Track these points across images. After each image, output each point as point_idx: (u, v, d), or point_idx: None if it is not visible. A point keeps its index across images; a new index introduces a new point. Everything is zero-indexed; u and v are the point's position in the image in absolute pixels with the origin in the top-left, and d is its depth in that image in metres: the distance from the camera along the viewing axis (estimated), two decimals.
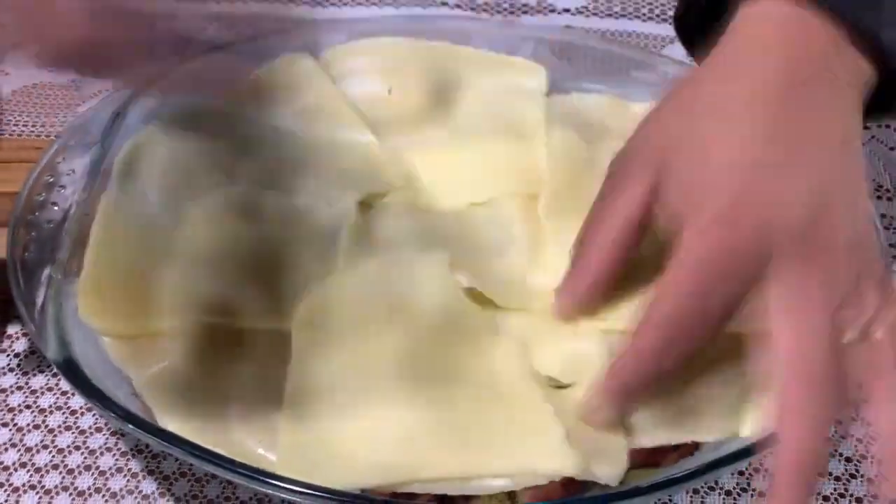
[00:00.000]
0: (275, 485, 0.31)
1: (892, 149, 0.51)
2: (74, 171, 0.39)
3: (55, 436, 0.39)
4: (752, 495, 0.38)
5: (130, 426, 0.33)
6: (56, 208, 0.38)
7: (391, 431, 0.33)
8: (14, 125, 0.51)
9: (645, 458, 0.35)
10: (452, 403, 0.34)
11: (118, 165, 0.40)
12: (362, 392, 0.34)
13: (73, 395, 0.41)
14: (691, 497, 0.38)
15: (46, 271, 0.37)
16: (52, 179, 0.39)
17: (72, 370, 0.33)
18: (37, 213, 0.38)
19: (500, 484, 0.33)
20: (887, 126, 0.52)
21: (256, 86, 0.45)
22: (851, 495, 0.38)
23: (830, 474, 0.38)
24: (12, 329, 0.43)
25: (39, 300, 0.36)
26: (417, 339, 0.35)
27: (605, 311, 0.36)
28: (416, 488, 0.33)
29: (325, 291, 0.37)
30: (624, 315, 0.36)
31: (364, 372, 0.35)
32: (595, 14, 0.58)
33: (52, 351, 0.34)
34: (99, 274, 0.37)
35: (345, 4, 0.58)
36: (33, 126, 0.51)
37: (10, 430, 0.39)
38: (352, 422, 0.34)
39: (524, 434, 0.33)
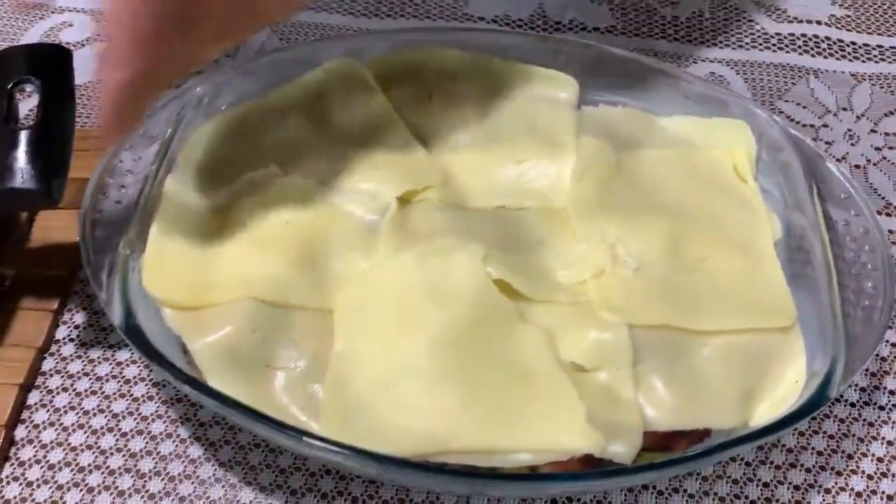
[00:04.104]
0: (316, 445, 0.34)
1: None
2: (141, 159, 0.43)
3: (111, 402, 0.42)
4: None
5: (186, 386, 0.36)
6: (124, 191, 0.42)
7: (426, 405, 0.36)
8: (87, 117, 0.54)
9: (657, 443, 0.37)
10: (482, 383, 0.37)
11: (182, 154, 0.44)
12: (401, 370, 0.37)
13: (127, 365, 0.44)
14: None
15: (113, 248, 0.40)
16: (121, 164, 0.42)
17: (136, 335, 0.37)
18: (106, 194, 0.41)
19: (524, 458, 0.35)
20: None
21: (305, 88, 0.48)
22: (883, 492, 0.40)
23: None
24: (72, 303, 0.46)
25: (106, 273, 0.39)
26: (451, 324, 0.38)
27: (630, 307, 0.39)
28: (447, 458, 0.35)
29: (367, 277, 0.40)
30: (649, 311, 0.39)
31: (403, 351, 0.38)
32: (623, 33, 0.62)
33: (118, 317, 0.37)
34: (162, 250, 0.40)
35: (388, 16, 0.62)
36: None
37: (70, 394, 0.43)
38: (391, 395, 0.37)
39: (548, 413, 0.36)
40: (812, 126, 0.56)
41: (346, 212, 0.43)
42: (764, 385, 0.38)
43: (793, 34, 0.62)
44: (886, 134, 0.56)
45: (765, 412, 0.38)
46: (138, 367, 0.44)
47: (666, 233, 0.42)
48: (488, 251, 0.40)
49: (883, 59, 0.60)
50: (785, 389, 0.38)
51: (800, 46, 0.61)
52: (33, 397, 0.43)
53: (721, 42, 0.61)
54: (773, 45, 0.61)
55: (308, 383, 0.38)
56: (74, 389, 0.43)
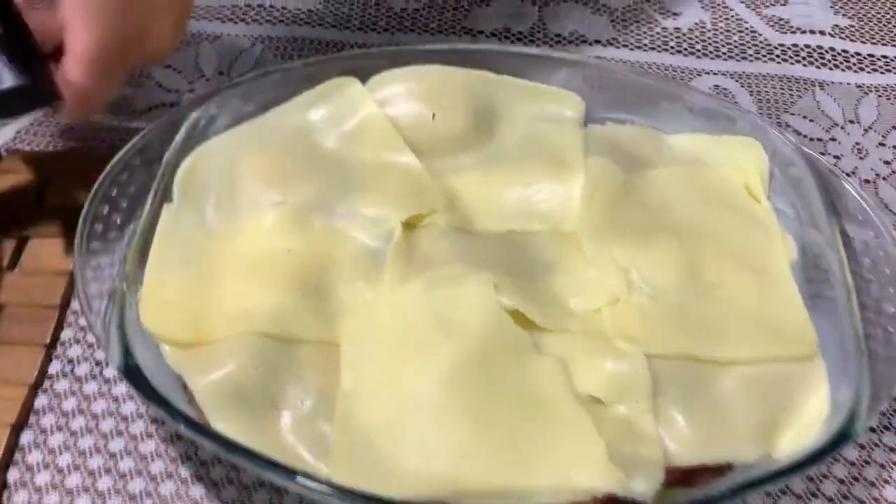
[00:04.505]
0: (324, 491, 0.33)
1: None
2: (136, 187, 0.41)
3: (107, 440, 0.41)
4: None
5: (189, 429, 0.34)
6: (118, 220, 0.40)
7: (438, 444, 0.35)
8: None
9: (678, 478, 0.36)
10: (497, 419, 0.36)
11: (178, 180, 0.42)
12: (411, 406, 0.36)
13: (124, 400, 0.42)
14: None
15: (108, 281, 0.38)
16: (115, 192, 0.41)
17: (136, 377, 0.35)
18: (100, 224, 0.40)
19: (542, 500, 0.34)
20: None
21: (303, 108, 0.47)
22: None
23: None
24: (65, 335, 0.44)
25: (102, 311, 0.37)
26: (462, 356, 0.37)
27: (647, 335, 0.38)
28: (461, 501, 0.34)
29: (373, 308, 0.39)
30: (666, 340, 0.38)
31: (412, 386, 0.36)
32: (625, 46, 0.60)
33: (116, 358, 0.35)
34: (160, 284, 0.38)
35: (385, 30, 0.60)
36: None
37: (65, 433, 0.41)
38: (401, 434, 0.35)
39: (566, 450, 0.35)
40: (820, 140, 0.55)
41: (349, 238, 0.42)
42: (786, 415, 0.37)
43: (796, 45, 0.61)
44: (895, 147, 0.55)
45: (788, 444, 0.36)
46: (135, 402, 0.42)
47: (679, 257, 0.41)
48: (499, 279, 0.39)
49: (889, 70, 0.59)
50: (808, 420, 0.37)
51: (804, 58, 0.60)
52: (26, 437, 0.41)
53: (724, 54, 0.60)
54: (777, 56, 0.60)
55: (315, 422, 0.36)
56: (69, 428, 0.41)
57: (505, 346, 0.37)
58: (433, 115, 0.47)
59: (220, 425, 0.35)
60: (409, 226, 0.42)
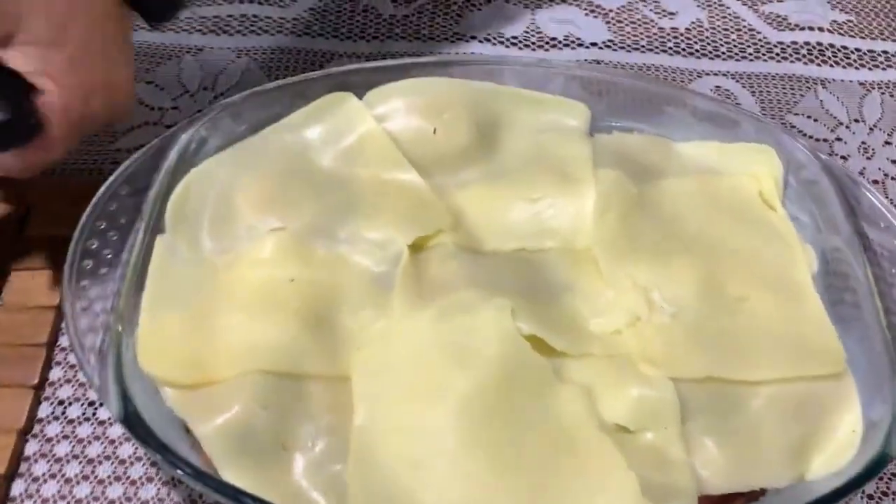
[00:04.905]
0: None
1: None
2: (126, 218, 0.39)
3: (105, 487, 0.38)
4: None
5: (199, 483, 0.32)
6: (108, 255, 0.38)
7: (459, 485, 0.33)
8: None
9: None
10: (520, 455, 0.34)
11: (170, 208, 0.40)
12: (428, 443, 0.34)
13: (121, 443, 0.40)
14: None
15: (101, 316, 0.36)
16: (103, 226, 0.38)
17: (137, 425, 0.33)
18: (90, 260, 0.37)
19: None
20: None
21: (297, 127, 0.45)
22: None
23: None
24: (54, 374, 0.42)
25: (96, 354, 0.35)
26: (480, 389, 0.35)
27: (672, 357, 0.36)
28: None
29: (384, 339, 0.37)
30: (692, 362, 0.36)
31: (429, 422, 0.34)
32: (622, 48, 0.59)
33: (115, 407, 0.33)
34: (157, 322, 0.36)
35: (375, 38, 0.58)
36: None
37: (59, 481, 0.39)
38: (420, 474, 0.33)
39: (596, 485, 0.33)
40: (826, 140, 0.54)
41: (354, 264, 0.40)
42: (818, 436, 0.36)
43: (795, 42, 0.60)
44: None
45: (821, 466, 0.35)
46: (133, 444, 0.40)
47: (699, 273, 0.40)
48: (515, 303, 0.37)
49: (890, 66, 0.58)
50: (841, 440, 0.35)
51: (804, 55, 0.59)
52: (17, 487, 0.38)
53: (724, 53, 0.59)
54: (777, 54, 0.59)
55: (329, 463, 0.34)
56: (63, 475, 0.39)
57: (525, 376, 0.36)
58: (434, 130, 0.45)
59: (229, 472, 0.33)
60: (416, 247, 0.41)
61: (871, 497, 0.39)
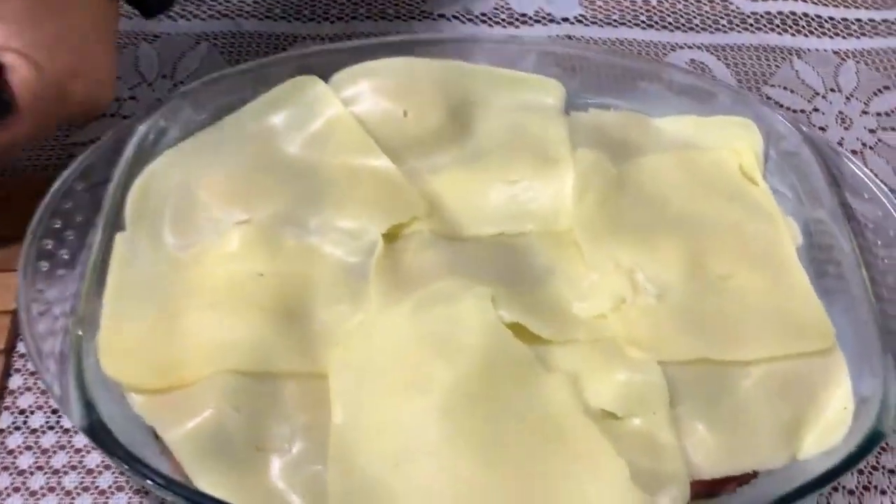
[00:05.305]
0: None
1: None
2: (83, 216, 0.37)
3: (73, 498, 0.37)
4: None
5: (170, 493, 0.30)
6: (66, 256, 0.36)
7: (445, 482, 0.32)
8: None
9: (704, 489, 0.34)
10: (506, 447, 0.33)
11: (130, 203, 0.38)
12: (411, 440, 0.33)
13: (88, 451, 0.38)
14: None
15: (60, 323, 0.34)
16: (58, 224, 0.36)
17: (101, 435, 0.31)
18: (45, 262, 0.35)
19: None
20: (893, 129, 0.52)
21: (260, 113, 0.43)
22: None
23: (844, 487, 0.38)
24: (14, 382, 0.40)
25: (55, 361, 0.33)
26: (463, 381, 0.34)
27: (658, 340, 0.35)
28: None
29: (361, 333, 0.36)
30: (679, 344, 0.35)
31: (410, 419, 0.33)
32: (594, 23, 0.57)
33: (77, 416, 0.31)
34: (120, 325, 0.34)
35: (339, 19, 0.56)
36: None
37: (23, 494, 0.37)
38: (403, 472, 0.32)
39: (585, 475, 0.32)
40: (803, 111, 0.53)
41: (326, 255, 0.38)
42: (809, 414, 0.35)
43: (769, 13, 0.58)
44: (878, 114, 0.53)
45: (812, 445, 0.34)
46: (101, 453, 0.38)
47: (683, 252, 0.39)
48: (496, 291, 0.36)
49: (864, 34, 0.58)
50: (832, 418, 0.35)
51: (778, 25, 0.58)
52: None
53: (697, 26, 0.57)
54: (751, 25, 0.58)
55: (307, 465, 0.33)
56: (27, 488, 0.37)
57: (508, 366, 0.34)
58: (405, 112, 0.43)
59: (202, 479, 0.32)
60: (390, 236, 0.39)
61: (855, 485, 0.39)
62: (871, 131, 0.52)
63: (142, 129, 0.40)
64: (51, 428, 0.39)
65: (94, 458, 0.38)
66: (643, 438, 0.34)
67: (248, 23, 0.55)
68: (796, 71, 0.55)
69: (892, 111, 0.53)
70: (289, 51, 0.52)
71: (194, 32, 0.55)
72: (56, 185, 0.37)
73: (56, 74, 0.36)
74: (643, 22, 0.58)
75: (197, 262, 0.37)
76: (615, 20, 0.58)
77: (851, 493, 0.38)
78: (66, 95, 0.36)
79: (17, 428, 0.38)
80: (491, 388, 0.34)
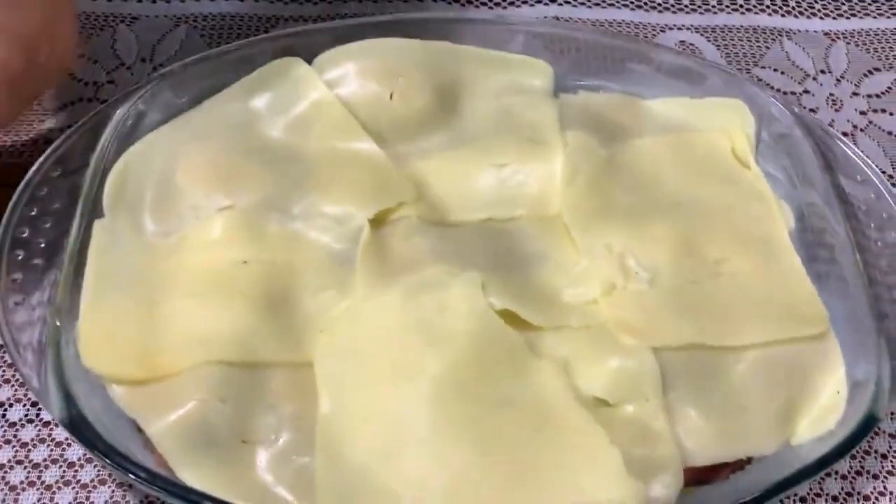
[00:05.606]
0: None
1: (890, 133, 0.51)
2: (60, 203, 0.36)
3: (53, 493, 0.36)
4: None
5: (153, 487, 0.30)
6: (43, 244, 0.35)
7: (435, 473, 0.31)
8: None
9: (698, 476, 0.33)
10: (497, 436, 0.32)
11: (108, 189, 0.37)
12: (400, 429, 0.32)
13: (69, 445, 0.37)
14: None
15: (38, 313, 0.33)
16: (34, 211, 0.35)
17: (82, 429, 0.30)
18: (22, 251, 0.34)
19: None
20: (883, 111, 0.52)
21: (242, 96, 0.42)
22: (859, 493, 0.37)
23: (837, 472, 0.38)
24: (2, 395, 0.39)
25: (33, 352, 0.32)
26: (453, 369, 0.33)
27: (650, 325, 0.35)
28: None
29: (347, 321, 0.35)
30: (671, 329, 0.35)
31: (399, 408, 0.32)
32: (583, 4, 0.57)
33: (57, 409, 0.30)
34: (99, 314, 0.34)
35: (322, 0, 0.55)
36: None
37: (2, 490, 0.36)
38: (393, 463, 0.31)
39: (578, 463, 0.32)
40: (794, 93, 0.52)
41: (311, 241, 0.37)
42: (802, 399, 0.35)
43: None
44: (869, 96, 0.53)
45: (806, 430, 0.34)
46: (82, 447, 0.37)
47: (675, 235, 0.38)
48: (485, 277, 0.35)
49: (854, 15, 0.57)
50: (826, 402, 0.34)
51: (768, 6, 0.57)
52: None
53: (687, 6, 0.57)
54: (741, 6, 0.57)
55: (294, 456, 0.32)
56: (7, 483, 0.36)
57: (499, 353, 0.34)
58: (391, 95, 0.42)
59: (187, 472, 0.31)
60: (377, 222, 0.38)
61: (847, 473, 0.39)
62: (862, 113, 0.52)
63: (120, 113, 0.39)
64: (30, 421, 0.38)
65: (76, 451, 0.37)
66: (636, 425, 0.33)
67: (229, 4, 0.54)
68: (786, 52, 0.55)
69: (883, 93, 0.53)
70: (271, 32, 0.50)
71: (174, 14, 0.53)
72: (31, 171, 0.36)
73: (20, 38, 0.34)
74: (632, 3, 0.57)
75: (178, 249, 0.36)
76: (604, 1, 0.57)
77: (843, 477, 0.38)
78: (31, 58, 0.35)
79: (7, 442, 0.37)
80: (481, 376, 0.33)
